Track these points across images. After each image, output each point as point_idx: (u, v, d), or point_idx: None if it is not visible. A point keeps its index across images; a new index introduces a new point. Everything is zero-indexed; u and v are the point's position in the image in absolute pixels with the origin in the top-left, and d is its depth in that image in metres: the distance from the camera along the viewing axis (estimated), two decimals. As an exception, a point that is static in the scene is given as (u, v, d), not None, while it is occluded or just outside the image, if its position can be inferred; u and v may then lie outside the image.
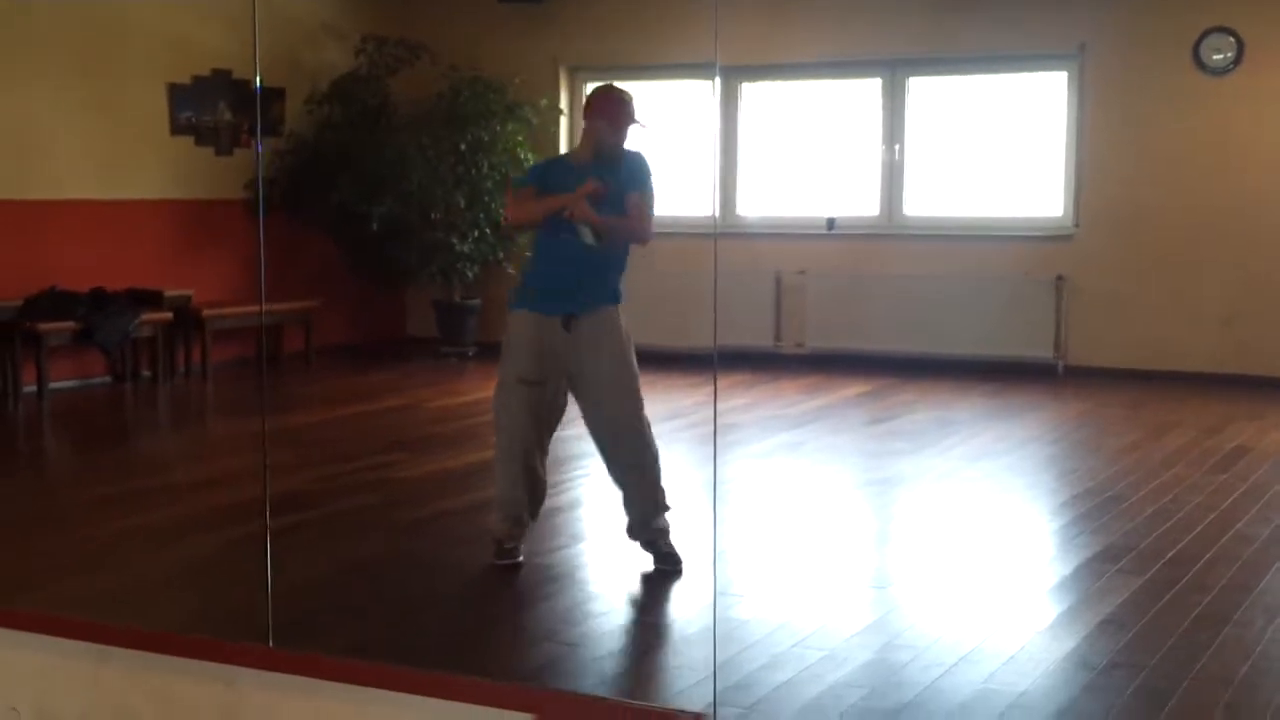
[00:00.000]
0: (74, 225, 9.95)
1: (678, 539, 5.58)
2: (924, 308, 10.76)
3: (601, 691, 4.39)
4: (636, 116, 5.54)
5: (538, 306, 5.47)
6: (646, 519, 5.47)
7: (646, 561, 5.51)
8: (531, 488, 5.53)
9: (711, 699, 4.20)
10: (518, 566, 5.56)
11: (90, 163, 10.10)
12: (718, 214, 11.43)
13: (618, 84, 5.73)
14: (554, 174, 5.61)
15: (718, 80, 11.46)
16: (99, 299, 9.70)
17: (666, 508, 5.49)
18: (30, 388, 9.44)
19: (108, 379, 10.10)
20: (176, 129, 10.64)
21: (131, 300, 9.86)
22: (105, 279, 9.85)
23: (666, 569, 5.43)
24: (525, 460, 5.48)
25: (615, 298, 5.51)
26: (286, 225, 11.00)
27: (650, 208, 5.45)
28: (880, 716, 4.13)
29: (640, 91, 11.93)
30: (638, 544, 5.50)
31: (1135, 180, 10.42)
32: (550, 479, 7.16)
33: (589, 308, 5.42)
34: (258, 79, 10.10)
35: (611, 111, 5.50)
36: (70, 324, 9.53)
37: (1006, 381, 10.16)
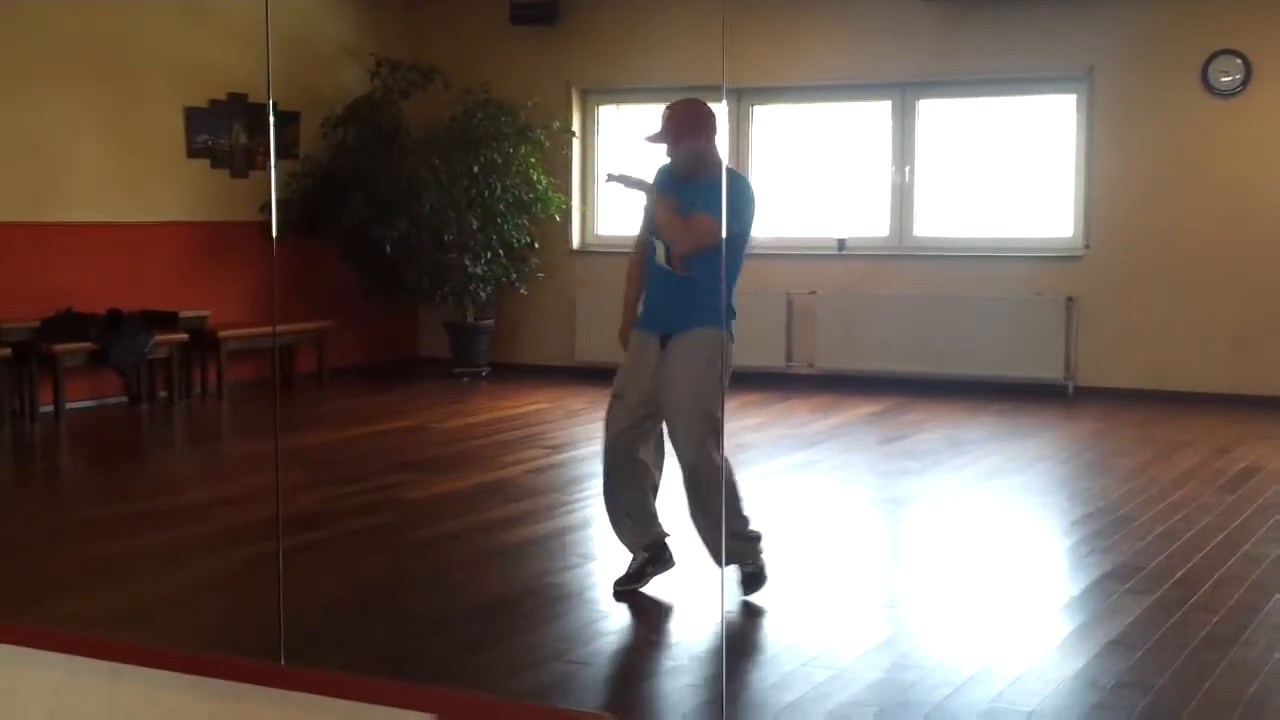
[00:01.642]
0: (90, 247, 10.02)
1: (691, 558, 5.62)
2: (934, 328, 10.78)
3: (610, 710, 4.41)
4: (693, 129, 5.36)
5: (641, 324, 5.53)
6: (713, 549, 5.40)
7: (657, 581, 5.53)
8: (620, 497, 5.50)
9: (720, 718, 4.22)
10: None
11: (107, 185, 10.16)
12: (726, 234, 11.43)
13: (696, 98, 5.54)
14: (659, 179, 5.55)
15: (724, 103, 11.49)
16: (115, 320, 9.76)
17: (748, 536, 5.43)
18: (47, 408, 9.50)
19: (124, 399, 10.15)
20: (193, 151, 10.72)
21: (147, 321, 9.91)
22: (121, 300, 9.92)
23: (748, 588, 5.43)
24: (614, 473, 5.49)
25: (709, 319, 5.36)
26: (301, 247, 11.06)
27: (702, 225, 5.26)
28: (888, 735, 4.15)
29: (651, 114, 12.02)
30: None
31: (1145, 201, 10.44)
32: (559, 499, 7.25)
33: (682, 327, 5.38)
34: (270, 102, 10.17)
35: (664, 128, 5.41)
36: (86, 345, 9.59)
37: (1017, 402, 10.17)
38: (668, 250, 5.37)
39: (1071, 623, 5.26)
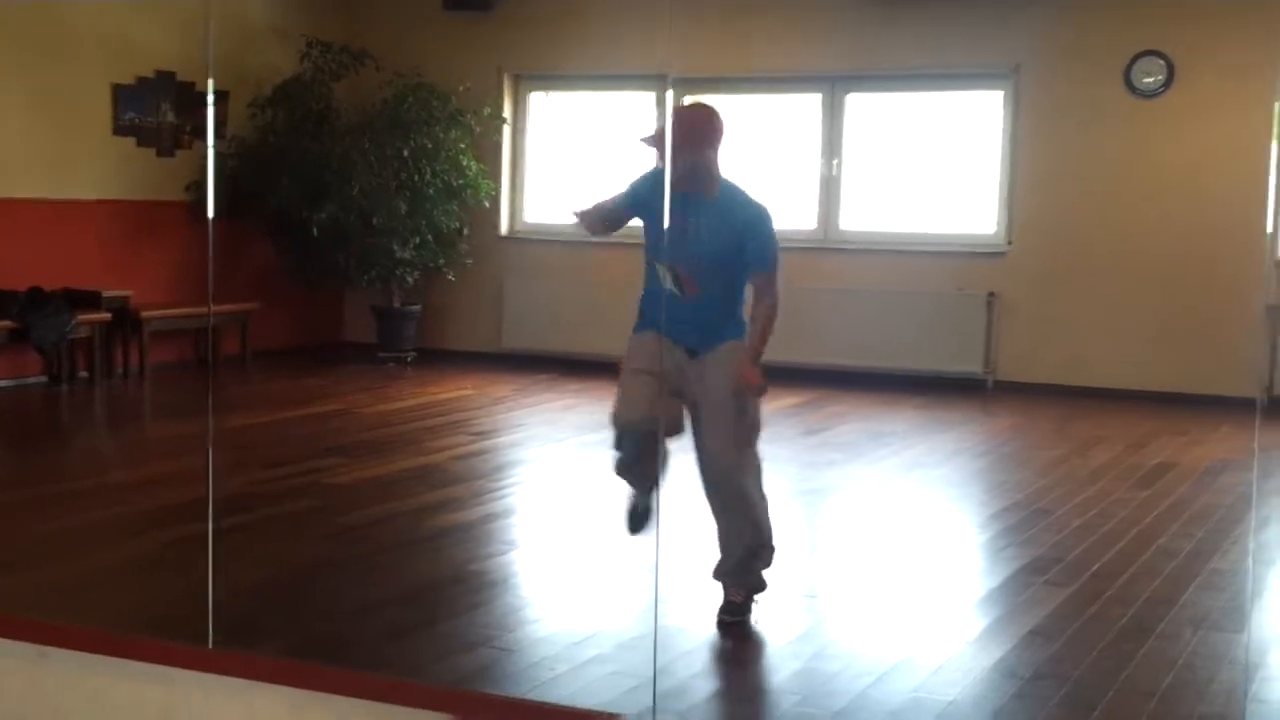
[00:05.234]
0: (12, 224, 9.87)
1: (614, 547, 5.64)
2: (858, 321, 10.85)
3: (536, 697, 4.43)
4: (717, 136, 5.07)
5: (658, 329, 5.12)
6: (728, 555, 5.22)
7: (582, 568, 5.55)
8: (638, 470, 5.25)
9: (650, 704, 4.25)
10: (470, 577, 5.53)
11: (30, 161, 10.01)
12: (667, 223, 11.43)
13: (707, 100, 5.28)
14: (650, 191, 5.12)
15: (670, 92, 11.51)
16: (36, 298, 9.63)
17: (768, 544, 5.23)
18: (-35, 386, 9.39)
19: (44, 379, 10.03)
20: (119, 129, 10.59)
21: (69, 300, 9.80)
22: (43, 278, 9.78)
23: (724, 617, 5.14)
24: (633, 448, 5.19)
25: (734, 333, 5.13)
26: (226, 228, 10.95)
27: (776, 280, 5.07)
28: (811, 723, 4.20)
29: (582, 102, 12.05)
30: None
31: (1067, 199, 10.58)
32: (484, 485, 7.26)
33: (710, 344, 5.09)
34: (210, 83, 10.08)
35: (680, 134, 5.01)
36: (7, 323, 9.47)
37: (937, 395, 10.28)
38: (675, 277, 5.04)
39: (990, 614, 5.33)
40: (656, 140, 5.09)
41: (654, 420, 5.09)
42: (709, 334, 5.09)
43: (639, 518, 5.33)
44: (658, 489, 5.29)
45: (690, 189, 5.02)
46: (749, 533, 5.14)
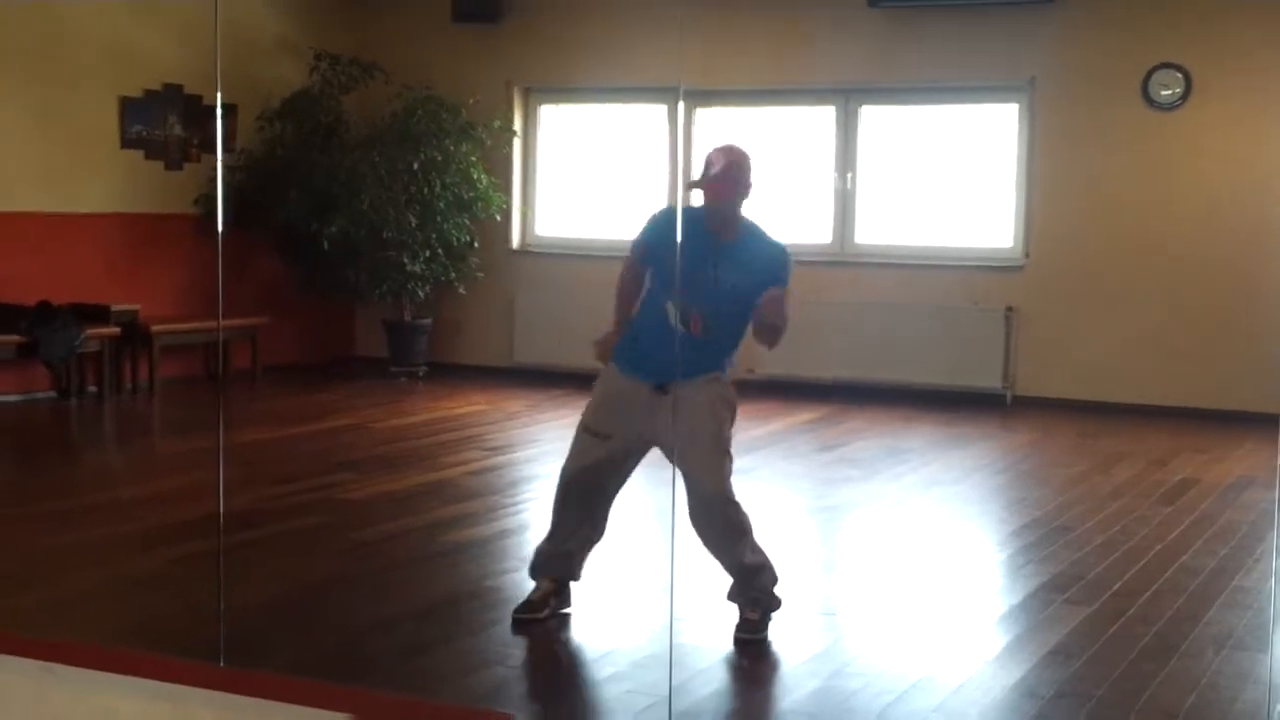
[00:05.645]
0: (20, 238, 9.84)
1: (629, 566, 5.56)
2: (875, 336, 10.80)
3: (550, 715, 4.37)
4: (747, 181, 5.04)
5: (629, 369, 5.10)
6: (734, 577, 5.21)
7: (598, 586, 5.49)
8: (572, 535, 5.22)
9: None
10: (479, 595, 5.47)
11: (38, 175, 10.00)
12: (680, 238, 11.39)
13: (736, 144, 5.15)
14: (662, 233, 5.05)
15: (681, 105, 11.46)
16: (44, 313, 9.58)
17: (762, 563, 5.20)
18: (-27, 401, 9.34)
19: (53, 394, 9.98)
20: (127, 142, 10.57)
21: (78, 315, 9.75)
22: (51, 293, 9.74)
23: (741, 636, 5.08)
24: (574, 506, 5.17)
25: (715, 366, 5.12)
26: (236, 241, 10.93)
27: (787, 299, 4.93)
28: (831, 744, 4.13)
29: (592, 115, 12.00)
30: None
31: (1085, 213, 10.51)
32: (499, 501, 7.21)
33: (687, 376, 4.98)
34: (219, 95, 10.06)
35: (721, 174, 4.99)
36: (14, 338, 9.42)
37: (955, 411, 10.20)
38: (685, 314, 4.94)
39: (1010, 633, 5.26)
40: (702, 185, 5.02)
41: (605, 487, 5.14)
42: (692, 368, 5.01)
43: (533, 605, 5.20)
44: (574, 577, 5.25)
45: (712, 230, 5.00)
46: (748, 556, 5.13)
